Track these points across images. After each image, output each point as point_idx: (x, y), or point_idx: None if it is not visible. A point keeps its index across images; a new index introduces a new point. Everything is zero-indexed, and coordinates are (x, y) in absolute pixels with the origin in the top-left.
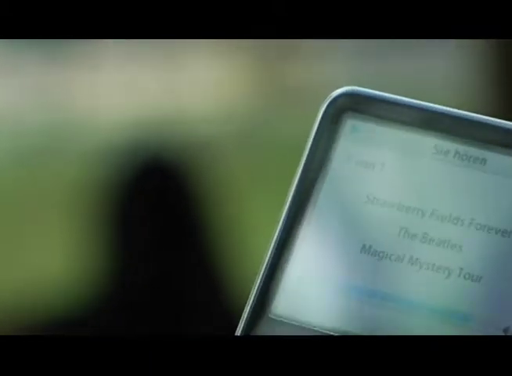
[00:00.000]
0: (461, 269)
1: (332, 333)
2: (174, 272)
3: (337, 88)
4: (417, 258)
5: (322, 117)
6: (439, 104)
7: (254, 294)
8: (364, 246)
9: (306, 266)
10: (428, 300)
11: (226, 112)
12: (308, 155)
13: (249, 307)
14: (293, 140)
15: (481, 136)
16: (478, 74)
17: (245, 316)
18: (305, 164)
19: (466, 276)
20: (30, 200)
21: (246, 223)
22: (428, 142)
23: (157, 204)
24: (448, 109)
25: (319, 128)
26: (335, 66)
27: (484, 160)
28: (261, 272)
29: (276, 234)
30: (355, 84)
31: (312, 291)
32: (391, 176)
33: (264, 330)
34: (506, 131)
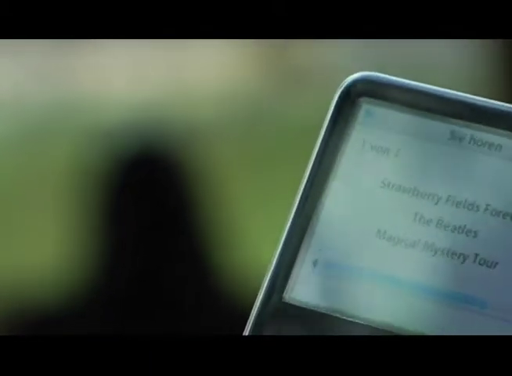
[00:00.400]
0: (476, 254)
1: (345, 318)
2: (164, 263)
3: (346, 71)
4: (432, 244)
5: (337, 102)
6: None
7: (267, 279)
8: (379, 231)
9: (320, 251)
10: (443, 286)
11: (232, 95)
12: (323, 140)
13: (263, 291)
14: (301, 124)
15: (496, 122)
16: (481, 59)
17: (259, 300)
18: (320, 149)
19: (482, 262)
20: (29, 184)
21: (246, 211)
22: (443, 128)
23: (152, 193)
24: (463, 95)
25: (334, 112)
26: (343, 48)
27: (499, 146)
28: (276, 256)
29: (291, 218)
30: (364, 67)
31: (326, 276)
32: (406, 162)
33: (277, 315)
34: None
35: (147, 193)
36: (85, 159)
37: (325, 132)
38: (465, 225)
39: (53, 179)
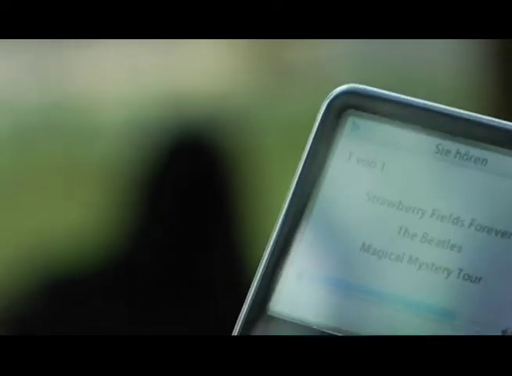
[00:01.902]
0: (460, 269)
1: (330, 331)
2: (198, 246)
3: (339, 67)
4: (417, 258)
5: (323, 115)
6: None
7: (252, 292)
8: (363, 244)
9: (305, 264)
10: (427, 300)
11: (228, 90)
12: (309, 152)
13: (247, 304)
14: (296, 119)
15: (482, 136)
16: (468, 71)
17: (243, 313)
18: (306, 161)
19: (466, 277)
20: (34, 170)
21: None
22: (430, 142)
23: (179, 181)
24: (450, 108)
25: (320, 125)
26: (336, 45)
27: (485, 161)
28: (260, 270)
29: (276, 231)
30: (356, 64)
31: (311, 289)
32: (391, 175)
33: (262, 328)
34: (507, 131)
35: (181, 180)
36: (117, 150)
37: (311, 144)
38: (449, 240)
39: (74, 167)
